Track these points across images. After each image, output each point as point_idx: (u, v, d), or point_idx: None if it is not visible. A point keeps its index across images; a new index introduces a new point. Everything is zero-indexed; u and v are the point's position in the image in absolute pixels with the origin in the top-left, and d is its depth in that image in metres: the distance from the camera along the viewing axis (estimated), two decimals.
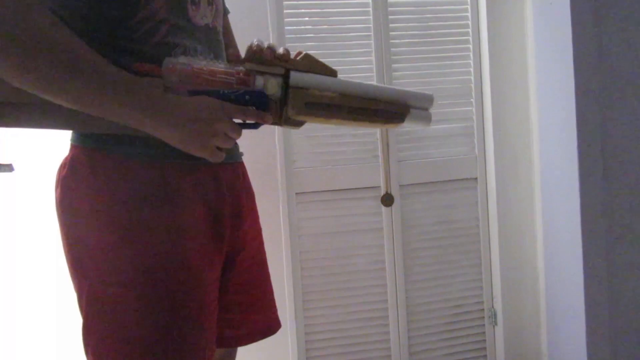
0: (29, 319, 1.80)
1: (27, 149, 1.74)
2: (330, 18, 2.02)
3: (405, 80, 2.07)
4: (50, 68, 0.75)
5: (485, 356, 2.17)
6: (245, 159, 1.92)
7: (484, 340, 2.17)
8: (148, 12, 0.87)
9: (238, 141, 1.09)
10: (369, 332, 2.07)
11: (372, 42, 2.03)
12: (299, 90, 0.87)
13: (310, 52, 0.92)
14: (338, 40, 2.01)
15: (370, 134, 2.04)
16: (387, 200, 2.05)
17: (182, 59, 0.85)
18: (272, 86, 0.87)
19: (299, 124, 0.90)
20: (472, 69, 2.13)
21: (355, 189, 2.04)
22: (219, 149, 0.86)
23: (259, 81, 0.87)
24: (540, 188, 2.03)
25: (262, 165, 1.95)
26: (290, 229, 1.98)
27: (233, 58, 1.13)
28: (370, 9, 2.02)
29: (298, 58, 0.90)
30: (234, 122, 0.86)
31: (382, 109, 0.92)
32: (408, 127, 0.96)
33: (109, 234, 0.85)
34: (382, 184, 2.05)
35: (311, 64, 0.90)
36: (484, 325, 2.17)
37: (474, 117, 2.13)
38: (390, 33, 2.04)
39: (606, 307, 1.83)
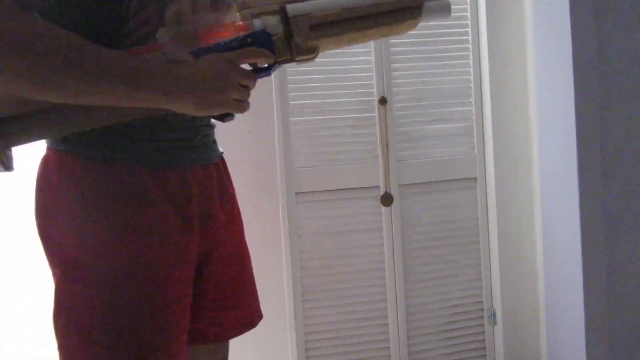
0: (30, 319, 1.80)
1: (25, 149, 1.73)
2: None
3: (405, 80, 2.07)
4: (42, 64, 0.73)
5: (484, 356, 2.17)
6: (245, 159, 1.93)
7: (483, 340, 2.17)
8: (141, 18, 0.87)
9: (221, 140, 1.09)
10: (369, 331, 2.07)
11: (372, 41, 2.02)
12: (300, 17, 0.85)
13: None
14: None
15: (370, 133, 2.04)
16: (387, 200, 2.05)
17: (174, 26, 0.84)
18: (271, 24, 0.85)
19: (312, 52, 0.87)
20: (471, 69, 2.12)
21: (355, 188, 2.04)
22: (240, 100, 0.86)
23: (257, 23, 0.85)
24: (540, 188, 2.03)
25: (262, 165, 1.94)
26: (290, 228, 1.98)
27: None
28: None
29: None
30: (244, 69, 0.85)
31: (393, 9, 0.87)
32: (427, 21, 0.90)
33: (73, 234, 0.88)
34: (381, 183, 2.05)
35: None
36: (483, 325, 2.17)
37: (474, 117, 2.13)
38: None
39: (605, 307, 1.83)
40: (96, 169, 0.88)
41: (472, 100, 2.13)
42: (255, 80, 0.86)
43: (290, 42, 0.86)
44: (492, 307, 2.16)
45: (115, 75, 0.77)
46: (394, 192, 2.06)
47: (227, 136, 1.89)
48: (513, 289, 2.14)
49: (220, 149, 1.10)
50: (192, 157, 0.97)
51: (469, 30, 2.11)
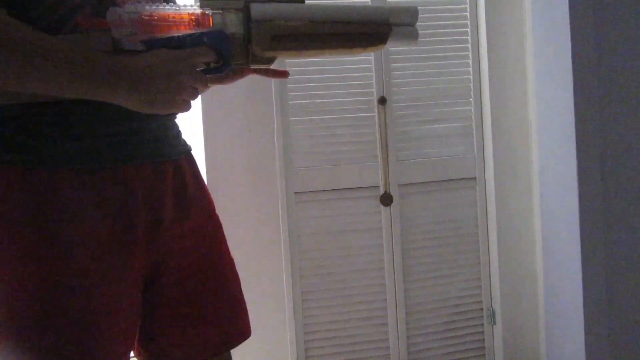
0: None
1: None
2: None
3: (404, 79, 2.07)
4: None
5: (483, 355, 2.18)
6: (244, 159, 1.93)
7: (483, 340, 2.17)
8: None
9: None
10: (368, 331, 2.07)
11: None
12: (263, 24, 0.78)
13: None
14: None
15: (370, 133, 2.04)
16: (386, 199, 2.05)
17: (128, 7, 0.76)
18: (232, 23, 0.78)
19: (269, 61, 0.82)
20: (470, 69, 2.12)
21: (354, 188, 2.04)
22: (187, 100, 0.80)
23: (217, 19, 0.78)
24: (539, 187, 2.03)
25: (262, 165, 1.94)
26: (289, 228, 1.98)
27: None
28: None
29: None
30: (196, 70, 0.78)
31: (359, 31, 0.82)
32: (393, 46, 0.88)
33: None
34: (381, 183, 2.05)
35: None
36: (482, 324, 2.17)
37: (473, 117, 2.13)
38: None
39: (605, 307, 1.83)
40: (8, 176, 0.77)
41: (472, 100, 2.13)
42: (205, 82, 0.79)
43: (248, 47, 0.80)
44: (492, 306, 2.16)
45: (59, 62, 0.71)
46: (394, 192, 2.06)
47: (227, 136, 1.89)
48: (512, 288, 2.15)
49: (188, 144, 0.97)
50: (135, 154, 0.84)
51: (469, 30, 2.11)
